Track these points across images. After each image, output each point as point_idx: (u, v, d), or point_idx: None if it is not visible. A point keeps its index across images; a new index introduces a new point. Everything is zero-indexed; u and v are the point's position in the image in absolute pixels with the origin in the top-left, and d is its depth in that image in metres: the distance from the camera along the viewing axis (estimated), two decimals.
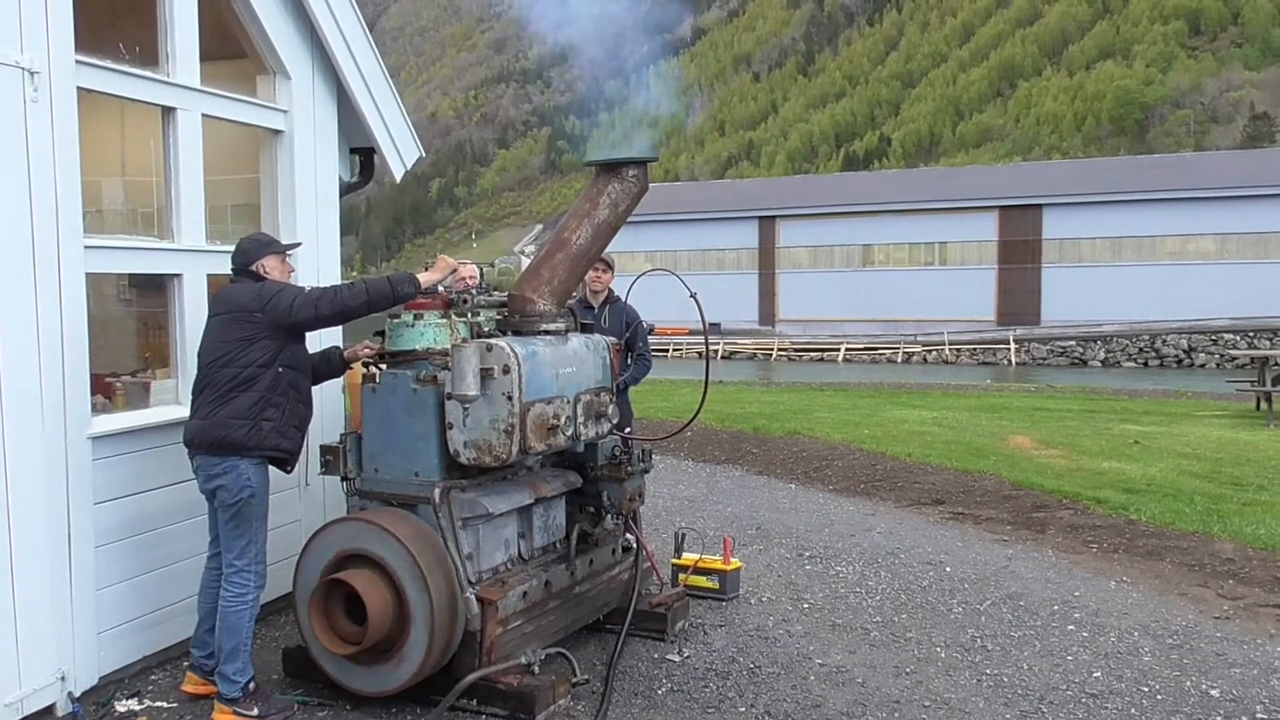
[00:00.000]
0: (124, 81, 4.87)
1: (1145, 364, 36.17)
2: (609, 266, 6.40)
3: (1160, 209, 40.47)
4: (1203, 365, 35.13)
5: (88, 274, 4.62)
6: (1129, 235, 41.21)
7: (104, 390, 5.17)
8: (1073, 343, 37.82)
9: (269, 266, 4.63)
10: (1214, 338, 35.95)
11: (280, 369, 4.47)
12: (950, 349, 38.97)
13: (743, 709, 4.65)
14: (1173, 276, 39.88)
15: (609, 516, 5.31)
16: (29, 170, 4.25)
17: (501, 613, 4.50)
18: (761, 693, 4.83)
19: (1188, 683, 4.98)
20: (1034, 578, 6.76)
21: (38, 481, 4.30)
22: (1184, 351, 36.09)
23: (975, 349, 38.98)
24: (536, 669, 4.56)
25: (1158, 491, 9.34)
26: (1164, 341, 36.45)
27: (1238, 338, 35.50)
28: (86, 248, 4.60)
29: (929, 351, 39.27)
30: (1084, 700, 4.76)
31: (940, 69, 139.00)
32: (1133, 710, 4.66)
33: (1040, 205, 42.90)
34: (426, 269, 4.78)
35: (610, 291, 6.56)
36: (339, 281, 5.91)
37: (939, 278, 44.29)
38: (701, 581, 6.21)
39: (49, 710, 4.44)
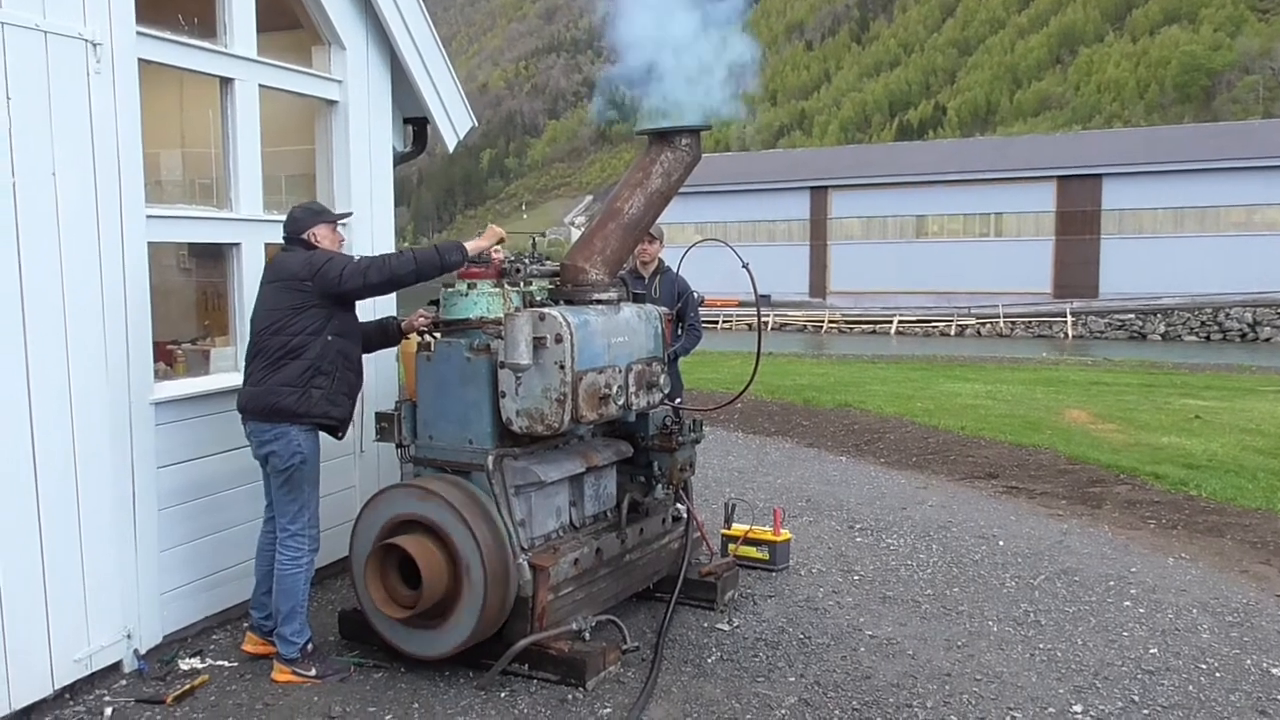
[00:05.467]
0: (183, 52, 4.93)
1: (1207, 338, 35.31)
2: (655, 237, 6.38)
3: (1225, 178, 39.27)
4: (1268, 339, 34.20)
5: (149, 243, 4.71)
6: (1192, 205, 40.10)
7: (165, 357, 5.29)
8: (1132, 316, 37.00)
9: (320, 235, 4.68)
10: None
11: (330, 337, 4.52)
12: (1005, 322, 38.34)
13: (792, 679, 4.65)
14: (1238, 248, 38.75)
15: (659, 486, 5.33)
16: (92, 141, 4.33)
17: (553, 579, 4.55)
18: (811, 663, 4.83)
19: (1248, 660, 4.89)
20: (1089, 553, 6.66)
21: (103, 445, 4.42)
22: (1249, 325, 35.13)
23: (1031, 322, 38.30)
24: (587, 635, 4.61)
25: (1219, 467, 9.15)
26: (1227, 315, 35.50)
27: None
28: (148, 217, 4.68)
29: (983, 324, 38.68)
30: (1140, 676, 4.70)
31: (998, 35, 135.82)
32: (1190, 687, 4.59)
33: (1100, 175, 41.86)
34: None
35: (660, 262, 6.54)
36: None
37: (994, 249, 43.48)
38: (751, 552, 6.22)
39: (115, 667, 4.58)
